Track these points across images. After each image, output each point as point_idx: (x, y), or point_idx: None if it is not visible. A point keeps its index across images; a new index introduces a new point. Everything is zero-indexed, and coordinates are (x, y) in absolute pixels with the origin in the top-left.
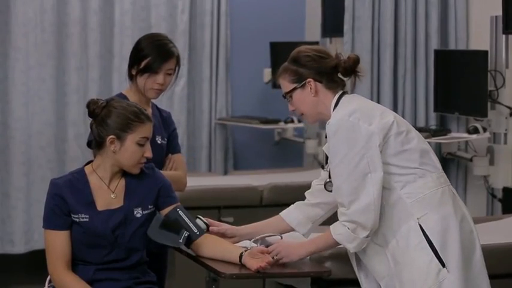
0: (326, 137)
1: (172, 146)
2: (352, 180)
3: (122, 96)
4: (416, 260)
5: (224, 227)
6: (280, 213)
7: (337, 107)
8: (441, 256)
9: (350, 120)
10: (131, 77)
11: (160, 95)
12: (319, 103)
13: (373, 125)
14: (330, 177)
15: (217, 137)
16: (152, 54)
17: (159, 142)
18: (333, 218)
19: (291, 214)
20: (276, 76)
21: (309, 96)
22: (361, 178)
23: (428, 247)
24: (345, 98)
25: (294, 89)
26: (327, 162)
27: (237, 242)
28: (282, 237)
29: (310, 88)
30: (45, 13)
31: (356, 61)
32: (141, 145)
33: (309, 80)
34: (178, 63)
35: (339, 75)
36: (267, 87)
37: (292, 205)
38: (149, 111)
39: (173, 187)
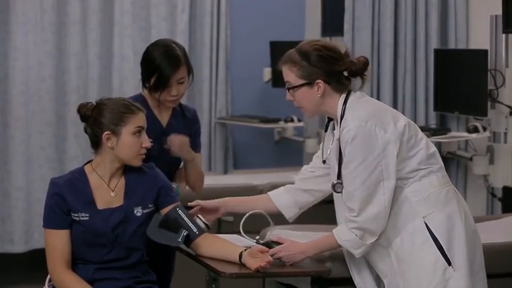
0: (339, 140)
1: (192, 145)
2: (365, 188)
3: (140, 97)
4: (423, 258)
5: (211, 204)
6: (268, 193)
7: (347, 108)
8: (447, 254)
9: (367, 127)
10: (147, 88)
11: (178, 102)
12: (323, 103)
13: (389, 132)
14: (338, 178)
15: (217, 136)
16: (159, 70)
17: None
18: (327, 215)
19: (280, 197)
20: (280, 61)
21: (315, 96)
22: (374, 186)
23: (435, 245)
24: (352, 97)
25: (301, 85)
26: (326, 159)
27: (224, 213)
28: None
29: (318, 89)
30: (45, 13)
31: (365, 64)
32: (137, 136)
33: (318, 81)
34: (188, 68)
35: (346, 73)
36: (267, 87)
37: (282, 187)
38: (168, 113)
39: (195, 185)
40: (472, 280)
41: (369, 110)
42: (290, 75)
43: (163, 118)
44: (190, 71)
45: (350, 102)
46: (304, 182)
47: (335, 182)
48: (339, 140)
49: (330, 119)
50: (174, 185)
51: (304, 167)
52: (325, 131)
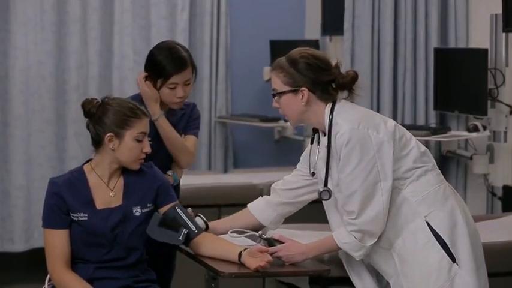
0: (328, 147)
1: (187, 129)
2: (363, 190)
3: (139, 96)
4: (427, 258)
5: None
6: (250, 210)
7: (335, 115)
8: (452, 251)
9: (359, 129)
10: None
11: (183, 103)
12: (307, 111)
13: (381, 132)
14: (325, 185)
15: (217, 135)
16: (165, 72)
17: None
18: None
19: (264, 213)
20: (270, 68)
21: (299, 104)
22: (372, 187)
23: (438, 244)
24: (337, 105)
25: (286, 91)
26: (313, 170)
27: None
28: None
29: (302, 96)
30: (45, 12)
31: (353, 78)
32: (139, 141)
33: (303, 88)
34: (194, 69)
35: (333, 85)
36: (267, 86)
37: (262, 201)
38: (166, 112)
39: (180, 154)
40: (477, 275)
41: (358, 114)
42: (276, 82)
43: None
44: (194, 71)
45: (337, 109)
46: (285, 193)
47: (321, 189)
48: (327, 147)
49: (315, 131)
50: (170, 173)
51: (286, 177)
52: (311, 143)
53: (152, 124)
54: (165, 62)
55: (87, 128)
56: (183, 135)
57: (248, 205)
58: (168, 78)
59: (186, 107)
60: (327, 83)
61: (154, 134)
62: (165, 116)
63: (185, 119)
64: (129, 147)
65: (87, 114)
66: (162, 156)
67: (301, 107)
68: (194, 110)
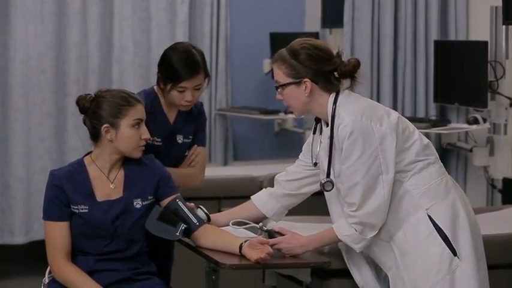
0: (330, 138)
1: (197, 139)
2: (365, 182)
3: (152, 91)
4: (428, 251)
5: None
6: (253, 202)
7: (338, 106)
8: (453, 245)
9: (363, 121)
10: (162, 90)
11: (191, 106)
12: (311, 102)
13: (384, 125)
14: (327, 176)
15: (217, 127)
16: (176, 75)
17: (180, 142)
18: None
19: (267, 205)
20: (271, 60)
21: (302, 95)
22: (373, 179)
23: (439, 237)
24: (341, 96)
25: (289, 83)
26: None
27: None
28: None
29: (305, 87)
30: (45, 3)
31: (356, 66)
32: (136, 128)
33: (305, 79)
34: (206, 75)
35: (336, 74)
36: (267, 78)
37: (265, 193)
38: (176, 110)
39: (187, 183)
40: (477, 268)
41: (361, 105)
42: (279, 74)
43: (171, 115)
44: (207, 76)
45: (340, 100)
46: (289, 184)
47: (324, 180)
48: (329, 138)
49: (318, 121)
50: None
51: (288, 169)
52: (314, 132)
53: (162, 124)
54: (177, 65)
55: (84, 123)
56: (195, 146)
57: (251, 197)
58: (178, 82)
59: (194, 106)
60: (329, 72)
61: (164, 136)
62: (176, 119)
63: (194, 118)
64: (127, 135)
65: (82, 110)
66: (171, 159)
67: (304, 98)
68: (202, 111)
